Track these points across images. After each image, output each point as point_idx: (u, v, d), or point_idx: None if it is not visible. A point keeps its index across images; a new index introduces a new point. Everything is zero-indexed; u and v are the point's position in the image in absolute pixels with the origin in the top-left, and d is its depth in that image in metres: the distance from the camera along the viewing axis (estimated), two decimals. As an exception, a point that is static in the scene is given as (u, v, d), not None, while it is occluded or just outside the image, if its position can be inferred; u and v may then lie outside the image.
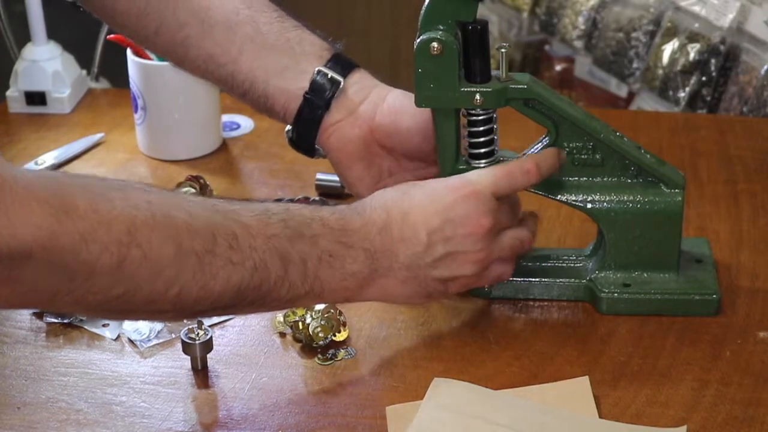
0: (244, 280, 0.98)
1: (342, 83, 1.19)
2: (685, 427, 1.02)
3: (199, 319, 1.14)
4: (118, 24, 1.29)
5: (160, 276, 0.93)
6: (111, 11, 1.26)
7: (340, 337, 1.15)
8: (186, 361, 1.12)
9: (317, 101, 1.19)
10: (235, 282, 0.98)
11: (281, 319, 1.16)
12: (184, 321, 1.16)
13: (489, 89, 1.13)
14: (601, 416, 1.04)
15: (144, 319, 1.13)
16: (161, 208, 0.94)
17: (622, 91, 2.01)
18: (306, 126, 1.20)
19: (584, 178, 1.18)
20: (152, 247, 0.92)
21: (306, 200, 1.33)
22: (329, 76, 1.19)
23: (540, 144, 1.18)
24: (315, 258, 1.03)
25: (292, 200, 1.34)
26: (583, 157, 1.17)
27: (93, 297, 0.92)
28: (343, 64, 1.20)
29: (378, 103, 1.19)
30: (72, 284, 0.90)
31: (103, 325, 1.17)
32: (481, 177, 1.11)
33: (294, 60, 1.20)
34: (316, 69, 1.19)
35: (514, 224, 1.14)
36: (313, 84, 1.19)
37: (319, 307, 1.14)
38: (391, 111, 1.19)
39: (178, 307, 0.97)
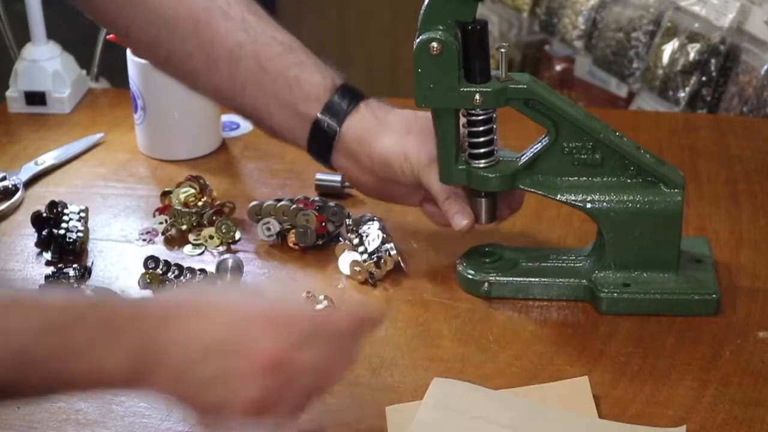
0: None
1: (338, 133, 1.20)
2: (684, 427, 1.02)
3: None
4: (135, 48, 1.32)
5: None
6: (125, 34, 1.28)
7: (339, 337, 1.14)
8: (186, 361, 1.12)
9: (320, 147, 1.22)
10: None
11: (281, 319, 1.16)
12: None
13: (489, 89, 1.13)
14: (601, 416, 1.04)
15: None
16: None
17: (622, 91, 2.01)
18: (319, 161, 1.25)
19: (584, 178, 1.18)
20: None
21: (306, 200, 1.33)
22: (326, 125, 1.20)
23: (540, 144, 1.18)
24: (63, 353, 0.89)
25: (292, 200, 1.34)
26: (582, 157, 1.17)
27: None
28: (338, 107, 1.21)
29: (372, 155, 1.21)
30: None
31: (103, 325, 1.17)
32: (294, 306, 0.98)
33: (294, 101, 1.21)
34: (314, 117, 1.21)
35: (312, 384, 0.95)
36: (312, 131, 1.21)
37: (319, 306, 1.14)
38: (382, 164, 1.20)
39: None
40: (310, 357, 0.94)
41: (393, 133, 1.20)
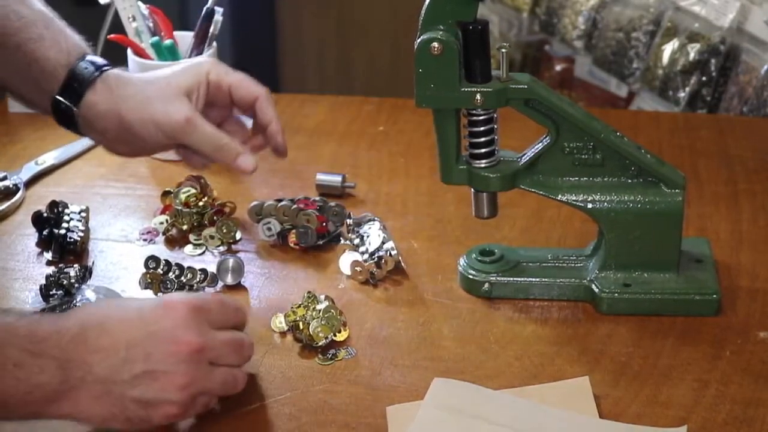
0: None
1: (76, 114, 1.19)
2: (685, 427, 1.02)
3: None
4: None
5: None
6: None
7: (340, 337, 1.15)
8: (186, 361, 1.12)
9: (65, 124, 1.22)
10: None
11: (281, 320, 1.16)
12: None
13: (489, 89, 1.13)
14: (601, 416, 1.04)
15: None
16: None
17: (622, 91, 2.01)
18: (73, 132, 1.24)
19: (584, 178, 1.18)
20: None
21: (306, 200, 1.33)
22: (63, 106, 1.19)
23: (540, 144, 1.18)
24: None
25: (292, 200, 1.34)
26: (583, 157, 1.17)
27: None
28: (73, 88, 1.19)
29: (117, 130, 1.19)
30: None
31: (104, 325, 1.17)
32: (194, 297, 1.03)
33: (35, 78, 1.20)
34: (51, 97, 1.19)
35: (233, 362, 1.04)
36: (53, 109, 1.20)
37: (320, 306, 1.14)
38: (132, 136, 1.19)
39: None
40: (226, 337, 1.03)
41: (133, 106, 1.18)
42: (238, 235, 1.32)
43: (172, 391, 0.98)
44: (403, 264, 1.26)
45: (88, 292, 1.20)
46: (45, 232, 1.30)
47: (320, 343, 1.13)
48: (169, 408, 0.99)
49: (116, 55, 1.54)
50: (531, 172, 1.18)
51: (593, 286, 1.19)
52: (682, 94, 1.86)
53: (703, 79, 1.84)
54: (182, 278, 1.21)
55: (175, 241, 1.32)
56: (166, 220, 1.33)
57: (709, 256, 1.23)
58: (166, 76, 1.20)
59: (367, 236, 1.27)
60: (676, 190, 1.17)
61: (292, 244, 1.30)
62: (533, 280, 1.20)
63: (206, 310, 1.02)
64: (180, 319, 0.99)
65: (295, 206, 1.32)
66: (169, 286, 1.20)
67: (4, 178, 1.43)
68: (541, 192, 1.19)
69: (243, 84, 1.22)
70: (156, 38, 1.47)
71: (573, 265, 1.22)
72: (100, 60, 1.21)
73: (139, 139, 1.19)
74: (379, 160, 1.49)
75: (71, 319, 0.98)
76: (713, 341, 1.14)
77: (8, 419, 0.98)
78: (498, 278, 1.21)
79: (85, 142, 1.52)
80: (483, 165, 1.17)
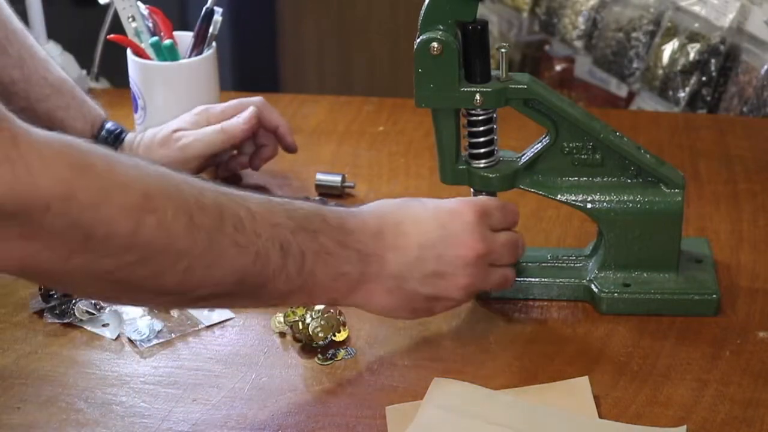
0: (246, 265, 0.96)
1: None
2: (684, 427, 1.02)
3: (193, 308, 1.16)
4: None
5: (172, 246, 0.91)
6: None
7: (340, 337, 1.15)
8: (186, 361, 1.12)
9: None
10: (238, 266, 0.96)
11: (281, 319, 1.16)
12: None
13: (489, 89, 1.13)
14: (601, 416, 1.04)
15: (143, 300, 1.06)
16: (172, 179, 0.93)
17: (622, 91, 2.01)
18: None
19: (584, 178, 1.18)
20: (167, 215, 0.90)
21: (306, 200, 1.33)
22: None
23: (540, 144, 1.18)
24: (312, 252, 1.01)
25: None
26: (582, 157, 1.17)
27: (105, 261, 0.88)
28: None
29: None
30: (88, 243, 0.87)
31: (103, 325, 1.18)
32: (479, 201, 1.11)
33: None
34: None
35: (508, 262, 1.13)
36: None
37: (319, 306, 1.14)
38: None
39: (181, 287, 0.94)
40: (505, 239, 1.11)
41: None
42: (238, 235, 1.31)
43: (455, 290, 1.08)
44: (402, 264, 1.26)
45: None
46: (45, 232, 1.30)
47: (320, 343, 1.13)
48: (449, 303, 1.10)
49: (116, 55, 1.54)
50: (530, 172, 1.18)
51: (593, 286, 1.19)
52: (682, 94, 1.85)
53: (703, 79, 1.84)
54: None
55: (174, 241, 1.32)
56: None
57: (708, 256, 1.23)
58: (168, 126, 1.36)
59: (367, 236, 1.26)
60: (676, 190, 1.17)
61: (291, 244, 1.30)
62: (533, 280, 1.20)
63: (489, 214, 1.10)
64: (467, 224, 1.08)
65: (294, 206, 1.32)
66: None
67: (4, 178, 1.43)
68: (540, 192, 1.19)
69: (239, 110, 1.37)
70: (155, 38, 1.47)
71: (572, 265, 1.22)
72: (115, 126, 1.36)
73: None
74: (379, 160, 1.49)
75: (372, 216, 1.07)
76: (713, 341, 1.14)
77: (309, 304, 1.11)
78: (498, 278, 1.20)
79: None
80: (482, 165, 1.17)
